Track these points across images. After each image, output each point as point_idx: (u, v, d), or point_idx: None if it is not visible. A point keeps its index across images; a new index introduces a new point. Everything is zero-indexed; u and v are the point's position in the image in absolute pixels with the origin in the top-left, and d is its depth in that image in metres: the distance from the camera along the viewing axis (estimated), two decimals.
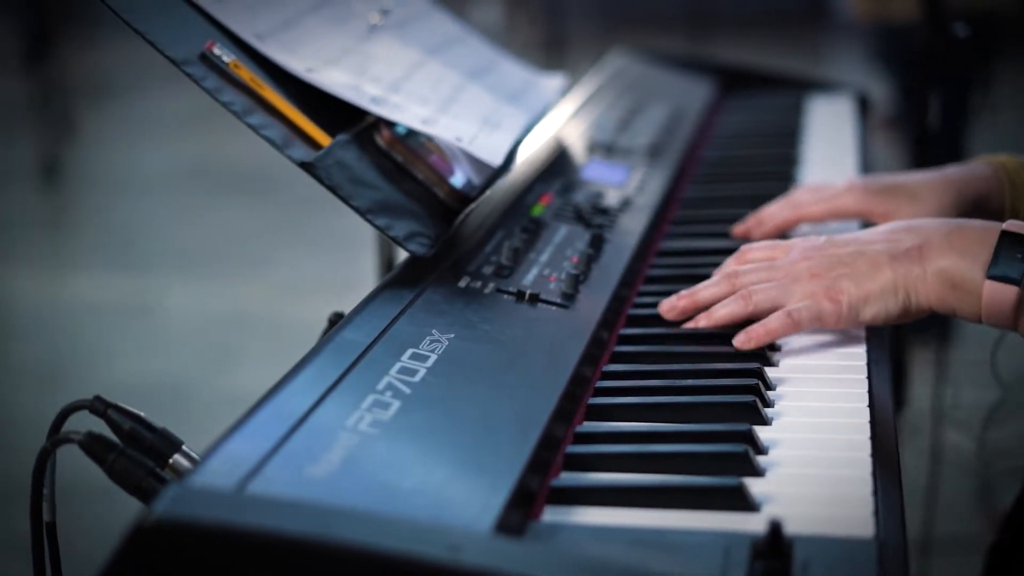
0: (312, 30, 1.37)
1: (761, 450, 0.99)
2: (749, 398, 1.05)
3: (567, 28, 7.21)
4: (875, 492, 0.93)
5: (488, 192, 1.34)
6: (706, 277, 1.26)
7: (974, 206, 1.42)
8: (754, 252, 1.27)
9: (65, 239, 5.28)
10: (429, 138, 1.31)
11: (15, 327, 4.25)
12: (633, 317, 1.26)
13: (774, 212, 1.47)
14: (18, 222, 5.42)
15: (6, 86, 7.02)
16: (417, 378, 1.00)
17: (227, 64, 1.21)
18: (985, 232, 1.13)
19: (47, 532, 1.02)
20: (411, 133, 1.30)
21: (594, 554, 0.84)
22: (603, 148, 1.68)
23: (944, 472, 2.17)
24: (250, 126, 1.18)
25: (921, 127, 1.95)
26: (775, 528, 0.82)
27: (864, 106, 2.15)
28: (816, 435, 1.03)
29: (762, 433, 1.02)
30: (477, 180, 1.32)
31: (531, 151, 1.58)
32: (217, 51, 1.21)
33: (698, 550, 0.85)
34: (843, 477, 0.95)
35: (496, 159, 1.29)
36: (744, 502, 0.91)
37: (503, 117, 1.44)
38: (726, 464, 0.96)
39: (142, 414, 1.00)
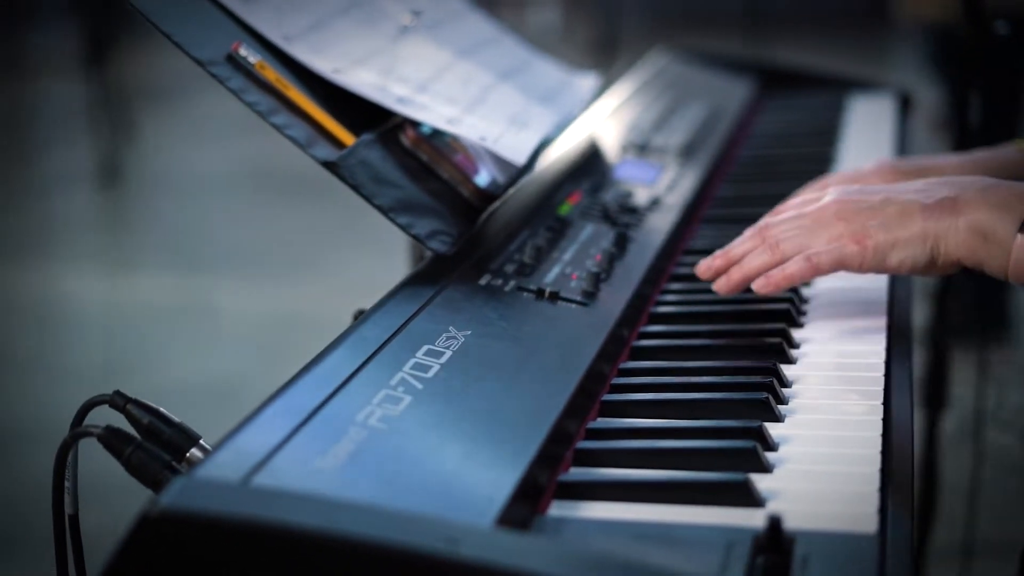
0: (341, 31, 1.38)
1: (771, 447, 1.00)
2: (762, 395, 1.05)
3: (624, 29, 7.19)
4: (882, 489, 0.93)
5: (515, 191, 1.35)
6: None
7: None
8: (788, 205, 1.27)
9: (124, 239, 5.34)
10: (455, 138, 1.32)
11: (75, 326, 4.30)
12: (655, 315, 1.27)
13: (807, 195, 1.47)
14: (79, 223, 5.50)
15: (68, 89, 7.11)
16: (430, 374, 1.01)
17: (253, 65, 1.22)
18: (1020, 190, 1.12)
19: (70, 524, 1.04)
20: (437, 133, 1.32)
21: (594, 548, 0.85)
22: (636, 147, 1.69)
23: (989, 473, 2.16)
24: (274, 126, 1.19)
25: (963, 127, 1.93)
26: (774, 523, 0.83)
27: (907, 105, 2.13)
28: (828, 432, 1.03)
29: (774, 430, 1.03)
30: (502, 179, 1.33)
31: (563, 150, 1.60)
32: (243, 52, 1.22)
33: (700, 545, 0.86)
34: (851, 474, 0.95)
35: (520, 158, 1.30)
36: (749, 498, 0.91)
37: (531, 117, 1.45)
38: (734, 460, 0.96)
39: (161, 409, 1.02)
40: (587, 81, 1.70)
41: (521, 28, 8.44)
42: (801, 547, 0.85)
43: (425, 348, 1.05)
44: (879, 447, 0.99)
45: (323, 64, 1.29)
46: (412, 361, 1.03)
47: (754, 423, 1.00)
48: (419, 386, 0.99)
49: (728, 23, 7.09)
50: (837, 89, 2.18)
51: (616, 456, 0.99)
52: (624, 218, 1.42)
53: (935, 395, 2.11)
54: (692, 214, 1.55)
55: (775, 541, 0.83)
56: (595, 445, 1.01)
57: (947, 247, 1.13)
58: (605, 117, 1.82)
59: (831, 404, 1.08)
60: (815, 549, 0.85)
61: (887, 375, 1.12)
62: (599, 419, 1.07)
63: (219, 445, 0.88)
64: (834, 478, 0.95)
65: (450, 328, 1.10)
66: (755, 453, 0.96)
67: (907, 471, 1.02)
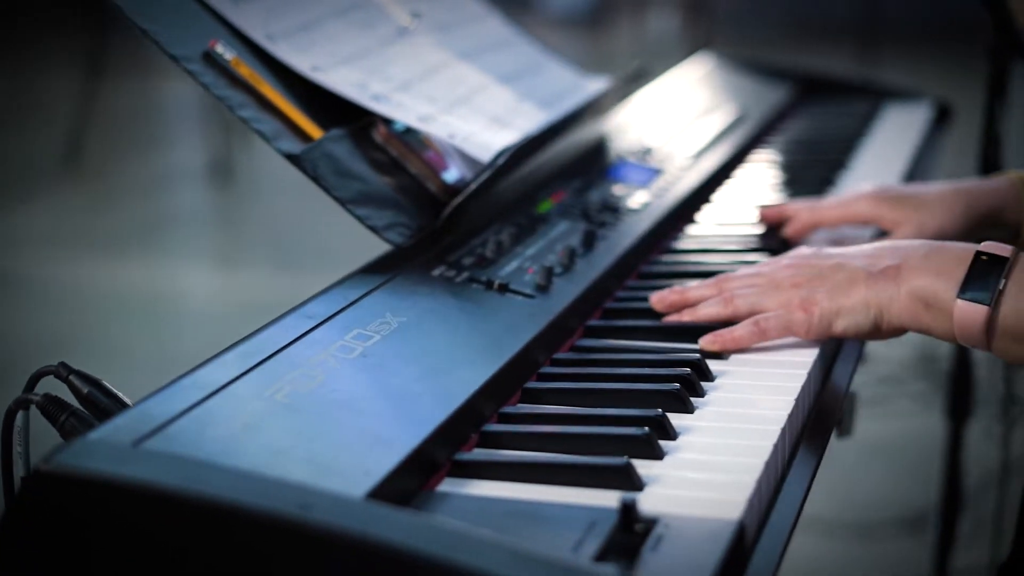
0: (333, 32, 1.45)
1: (670, 435, 1.03)
2: (674, 386, 1.09)
3: (745, 37, 7.20)
4: (760, 480, 0.96)
5: (500, 188, 1.39)
6: (701, 276, 1.30)
7: (985, 219, 1.43)
8: (749, 268, 1.30)
9: (234, 237, 5.49)
10: (427, 135, 1.37)
11: (185, 319, 4.44)
12: (608, 310, 1.31)
13: (797, 208, 1.50)
14: (193, 219, 5.67)
15: (183, 91, 7.31)
16: (352, 355, 1.07)
17: (228, 61, 1.29)
18: (963, 252, 1.14)
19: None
20: (410, 130, 1.37)
21: (449, 521, 0.89)
22: (643, 149, 1.72)
23: (1013, 481, 2.15)
24: (243, 119, 1.26)
25: (988, 134, 1.93)
26: (627, 505, 0.87)
27: (945, 116, 2.13)
28: (732, 425, 1.06)
29: (682, 420, 1.06)
30: (472, 176, 1.38)
31: (564, 150, 1.63)
32: (219, 49, 1.29)
33: (564, 522, 0.89)
34: (737, 464, 0.98)
35: (486, 156, 1.35)
36: (629, 481, 0.95)
37: (518, 118, 1.49)
38: (627, 446, 1.00)
39: (102, 380, 1.09)
40: (597, 85, 1.74)
41: (642, 35, 8.48)
42: (661, 529, 0.88)
43: (355, 331, 1.11)
44: (774, 441, 1.02)
45: (303, 62, 1.35)
46: (339, 343, 1.08)
47: (654, 412, 1.04)
48: (336, 366, 1.05)
49: (844, 30, 7.06)
50: (874, 98, 2.19)
51: (518, 439, 1.03)
52: (602, 217, 1.46)
53: (959, 404, 2.11)
54: (681, 216, 1.58)
55: (627, 522, 0.87)
56: (501, 428, 1.05)
57: (890, 315, 1.16)
58: (626, 118, 1.85)
59: (746, 399, 1.11)
60: (673, 532, 0.88)
61: (810, 373, 1.15)
62: (519, 404, 1.11)
63: (123, 411, 0.94)
64: (719, 467, 0.98)
65: (386, 314, 1.15)
66: (648, 440, 1.00)
67: (810, 466, 1.06)
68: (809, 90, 2.22)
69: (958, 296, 1.12)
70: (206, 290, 4.72)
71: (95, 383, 1.09)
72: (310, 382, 1.01)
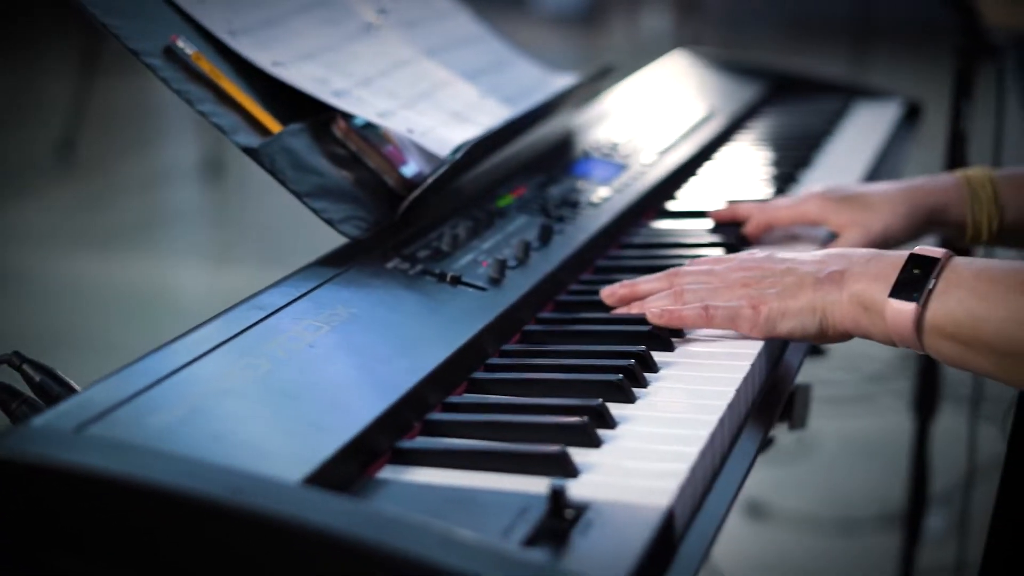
0: (297, 28, 1.47)
1: (609, 425, 1.05)
2: (616, 377, 1.11)
3: (739, 36, 7.22)
4: (695, 468, 0.98)
5: (459, 183, 1.42)
6: (655, 269, 1.33)
7: (931, 217, 1.45)
8: (700, 262, 1.32)
9: (226, 234, 5.51)
10: (387, 130, 1.39)
11: (178, 315, 4.46)
12: (560, 303, 1.33)
13: (748, 207, 1.52)
14: (186, 216, 5.70)
15: None
16: (300, 345, 1.09)
17: (189, 56, 1.31)
18: (899, 258, 1.17)
19: None
20: (371, 125, 1.39)
21: (380, 506, 0.91)
22: (610, 146, 1.74)
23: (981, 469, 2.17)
24: (201, 113, 1.28)
25: (954, 132, 1.95)
26: (555, 491, 0.88)
27: (915, 115, 2.15)
28: (672, 414, 1.08)
29: (623, 410, 1.08)
30: (430, 171, 1.40)
31: (529, 145, 1.65)
32: (181, 44, 1.31)
33: (497, 508, 0.91)
34: (672, 453, 1.00)
35: (443, 151, 1.37)
36: (565, 468, 0.97)
37: (480, 114, 1.51)
38: (566, 435, 1.02)
39: (55, 370, 1.11)
40: (564, 82, 1.76)
41: (635, 33, 8.51)
42: (592, 515, 0.90)
43: (306, 322, 1.13)
44: (711, 431, 1.04)
45: (264, 58, 1.37)
46: (288, 333, 1.10)
47: (595, 401, 1.06)
48: (283, 355, 1.06)
49: (842, 29, 7.08)
50: (845, 96, 2.21)
51: (460, 428, 1.05)
52: (560, 212, 1.47)
53: (925, 400, 2.13)
54: (641, 211, 1.59)
55: (557, 508, 0.89)
56: (445, 417, 1.07)
57: (834, 319, 1.19)
58: (596, 115, 1.87)
59: (688, 389, 1.13)
60: (603, 517, 0.90)
61: (753, 365, 1.17)
62: (465, 394, 1.13)
63: (68, 397, 0.96)
64: (655, 455, 1.00)
65: (338, 305, 1.17)
66: (585, 429, 1.02)
67: (747, 456, 1.08)
68: (781, 88, 2.24)
69: (890, 295, 1.14)
70: (199, 286, 4.75)
71: (47, 371, 1.11)
72: (256, 371, 1.03)
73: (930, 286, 1.13)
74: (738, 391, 1.12)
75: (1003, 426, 1.55)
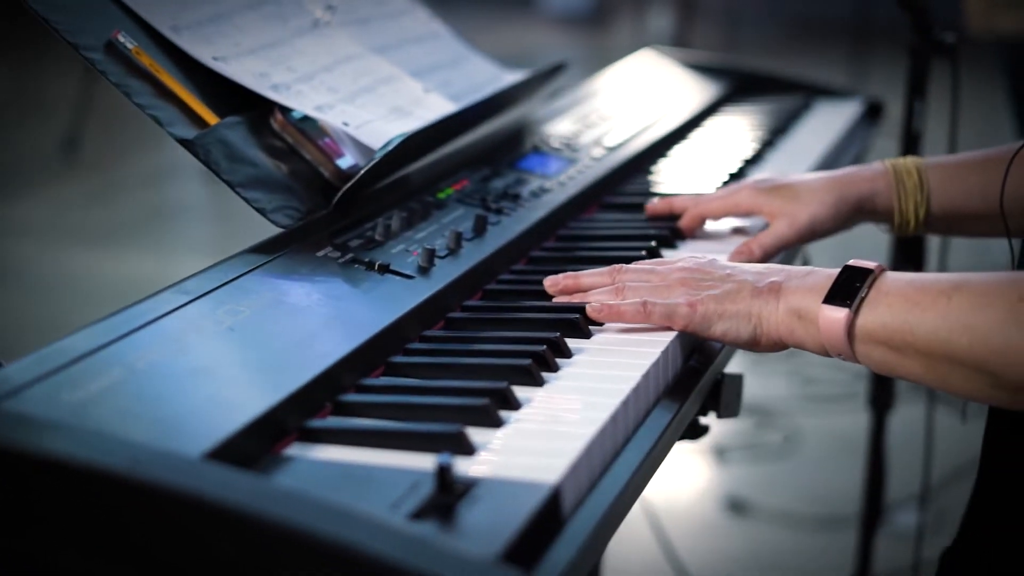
0: (243, 24, 1.51)
1: (513, 406, 1.09)
2: (525, 361, 1.14)
3: (739, 37, 7.24)
4: (590, 448, 1.02)
5: (404, 175, 1.45)
6: (591, 262, 1.36)
7: (858, 206, 1.49)
8: (643, 263, 1.35)
9: (227, 230, 5.56)
10: (323, 123, 1.43)
11: None
12: (488, 291, 1.36)
13: (683, 201, 1.55)
14: (187, 213, 5.75)
15: None
16: (220, 329, 1.13)
17: (130, 50, 1.35)
18: (834, 271, 1.21)
19: None
20: (309, 118, 1.43)
21: (279, 481, 0.95)
22: (561, 141, 1.77)
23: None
24: (137, 105, 1.32)
25: (908, 130, 1.98)
26: (442, 468, 0.92)
27: (875, 113, 2.19)
28: (576, 397, 1.12)
29: (530, 393, 1.12)
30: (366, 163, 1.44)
31: (476, 139, 1.69)
32: (121, 38, 1.35)
33: (390, 483, 0.95)
34: (568, 433, 1.04)
35: (378, 144, 1.40)
36: (462, 446, 1.01)
37: (421, 109, 1.55)
38: (468, 415, 1.06)
39: None
40: (514, 78, 1.80)
41: (642, 33, 8.55)
42: (481, 490, 0.94)
43: (227, 307, 1.17)
44: (609, 413, 1.07)
45: (205, 53, 1.41)
46: (208, 317, 1.14)
47: (500, 384, 1.09)
48: (201, 338, 1.10)
49: (843, 29, 7.11)
50: (807, 95, 2.24)
51: (369, 409, 1.09)
52: (499, 204, 1.51)
53: (880, 394, 2.16)
54: (583, 204, 1.63)
55: (443, 483, 0.92)
56: (355, 398, 1.11)
57: (768, 327, 1.22)
58: (554, 110, 1.91)
59: (597, 374, 1.16)
60: (490, 493, 0.94)
61: (665, 352, 1.20)
62: (382, 377, 1.17)
63: None
64: (552, 435, 1.04)
65: (262, 291, 1.21)
66: (486, 410, 1.06)
67: (649, 439, 1.11)
68: (745, 87, 2.27)
69: (823, 302, 1.18)
70: None
71: None
72: (172, 352, 1.07)
73: (862, 294, 1.17)
74: (646, 375, 1.16)
75: (962, 411, 1.58)
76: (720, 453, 3.51)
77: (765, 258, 1.49)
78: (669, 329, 1.25)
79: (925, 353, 1.13)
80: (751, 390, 3.78)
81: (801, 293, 1.21)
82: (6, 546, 0.91)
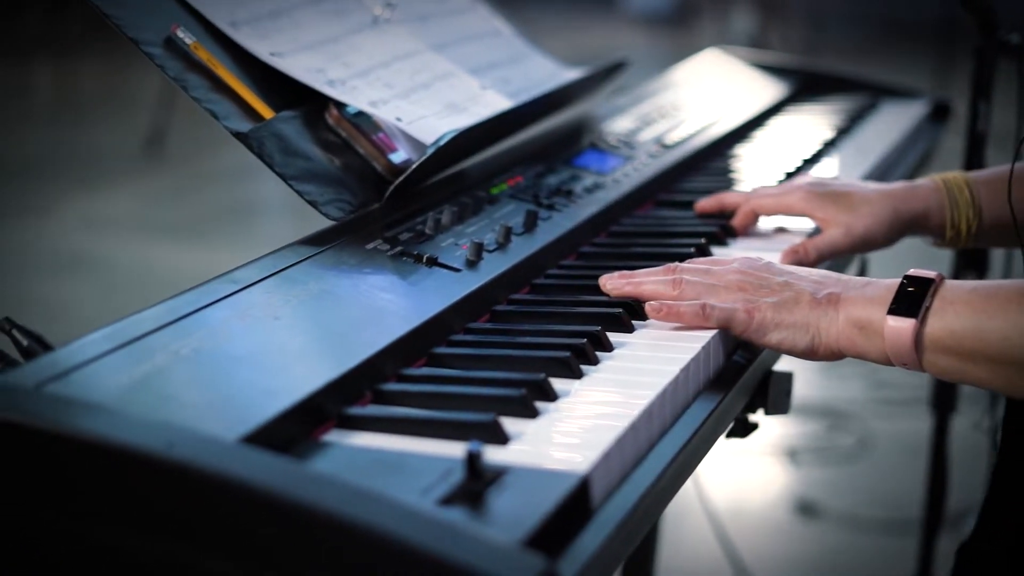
0: (301, 20, 1.53)
1: (550, 397, 1.10)
2: (564, 354, 1.16)
3: (822, 37, 7.19)
4: (623, 439, 1.03)
5: (458, 170, 1.47)
6: (642, 259, 1.37)
7: (912, 222, 1.49)
8: (699, 261, 1.35)
9: (305, 225, 5.61)
10: (377, 118, 1.45)
11: None
12: (535, 285, 1.38)
13: (733, 197, 1.56)
14: (267, 208, 5.83)
15: None
16: (266, 316, 1.15)
17: (188, 45, 1.38)
18: (894, 281, 1.22)
19: None
20: (363, 113, 1.45)
21: (314, 466, 0.97)
22: (617, 138, 1.79)
23: None
24: (194, 99, 1.35)
25: (972, 133, 1.97)
26: (471, 455, 0.94)
27: (943, 114, 2.17)
28: (613, 389, 1.13)
29: (568, 385, 1.13)
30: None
31: (531, 135, 1.71)
32: (180, 33, 1.38)
33: (422, 470, 0.97)
34: (603, 426, 1.05)
35: (430, 139, 1.42)
36: (495, 436, 1.02)
37: (477, 105, 1.57)
38: (504, 405, 1.07)
39: (43, 335, 1.18)
40: (573, 75, 1.81)
41: (724, 34, 8.53)
42: (510, 478, 0.95)
43: (274, 296, 1.19)
44: (643, 406, 1.08)
45: (262, 48, 1.44)
46: (255, 306, 1.17)
47: (538, 376, 1.11)
48: (246, 326, 1.13)
49: (926, 31, 7.05)
50: (873, 95, 2.23)
51: (408, 398, 1.11)
52: (551, 200, 1.52)
53: (942, 397, 2.14)
54: (635, 202, 1.64)
55: (473, 470, 0.94)
56: (395, 387, 1.13)
57: (827, 338, 1.23)
58: (617, 108, 1.92)
59: (636, 367, 1.17)
60: (520, 481, 0.95)
61: (706, 347, 1.21)
62: (424, 367, 1.19)
63: (37, 358, 1.04)
64: (586, 426, 1.05)
65: (310, 281, 1.23)
66: (522, 400, 1.07)
67: (683, 435, 1.12)
68: (811, 87, 2.27)
69: (888, 313, 1.19)
70: None
71: (35, 337, 1.18)
72: (217, 339, 1.10)
73: (927, 303, 1.17)
74: (685, 369, 1.16)
75: (981, 426, 1.58)
76: (791, 455, 3.50)
77: (818, 262, 1.49)
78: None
79: (994, 359, 1.14)
80: (824, 392, 3.78)
81: (862, 304, 1.21)
82: (49, 520, 0.94)
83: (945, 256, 2.12)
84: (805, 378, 3.88)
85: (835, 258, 1.53)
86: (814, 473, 3.44)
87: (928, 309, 1.17)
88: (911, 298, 1.18)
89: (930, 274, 1.20)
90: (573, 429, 1.05)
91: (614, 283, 1.33)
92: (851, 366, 3.69)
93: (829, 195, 1.50)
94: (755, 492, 3.37)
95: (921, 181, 1.54)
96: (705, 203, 1.59)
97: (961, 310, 1.16)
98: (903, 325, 1.17)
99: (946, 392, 2.16)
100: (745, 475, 3.43)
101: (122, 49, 8.59)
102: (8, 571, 0.95)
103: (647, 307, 1.27)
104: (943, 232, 1.52)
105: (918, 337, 1.17)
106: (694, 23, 9.68)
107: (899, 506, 3.17)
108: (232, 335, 1.11)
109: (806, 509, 3.22)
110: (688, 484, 2.74)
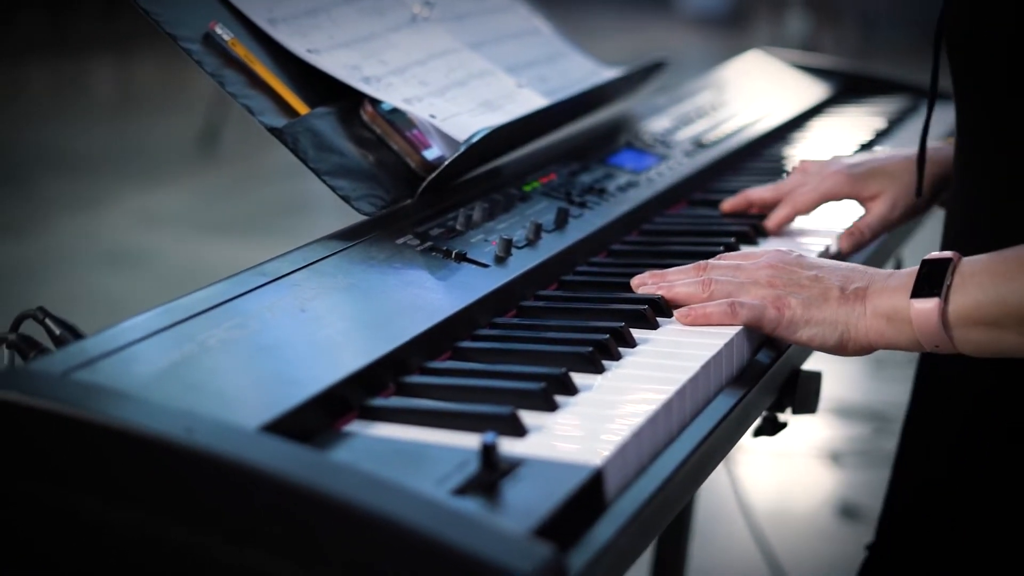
0: (339, 17, 1.55)
1: (570, 391, 1.11)
2: (587, 349, 1.17)
3: (876, 40, 7.15)
4: (640, 433, 1.04)
5: (493, 167, 1.49)
6: (673, 257, 1.38)
7: (943, 182, 1.49)
8: (728, 256, 1.35)
9: (350, 222, 5.66)
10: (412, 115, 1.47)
11: None
12: (563, 282, 1.39)
13: (759, 192, 1.57)
14: (319, 206, 5.88)
15: None
16: (293, 308, 1.17)
17: (226, 41, 1.40)
18: (914, 268, 1.23)
19: None
20: (398, 110, 1.47)
21: (333, 455, 0.99)
22: (653, 137, 1.79)
23: None
24: (230, 94, 1.37)
25: None
26: (486, 446, 0.95)
27: None
28: (633, 384, 1.14)
29: (589, 380, 1.14)
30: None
31: (568, 134, 1.72)
32: (219, 30, 1.41)
33: (439, 460, 0.98)
34: (620, 419, 1.06)
35: (463, 136, 1.44)
36: (514, 429, 1.04)
37: (511, 103, 1.58)
38: (524, 399, 1.09)
39: (74, 324, 1.21)
40: (609, 73, 1.82)
41: (779, 35, 8.51)
42: (525, 469, 0.97)
43: (302, 289, 1.21)
44: (661, 402, 1.09)
45: (299, 45, 1.46)
46: (282, 298, 1.19)
47: (558, 370, 1.12)
48: (273, 317, 1.15)
49: None
50: (915, 97, 2.23)
51: (430, 390, 1.12)
52: (583, 198, 1.54)
53: None
54: (667, 201, 1.65)
55: (488, 461, 0.95)
56: (418, 380, 1.14)
57: (856, 333, 1.23)
58: (657, 107, 1.93)
59: (657, 363, 1.18)
60: (535, 472, 0.96)
61: (729, 344, 1.22)
62: (449, 361, 1.20)
63: (68, 346, 1.06)
64: (604, 420, 1.06)
65: (338, 275, 1.25)
66: (541, 394, 1.08)
67: (702, 430, 1.13)
68: (853, 88, 2.27)
69: (911, 296, 1.20)
70: None
71: (67, 326, 1.20)
72: (244, 330, 1.12)
73: (948, 282, 1.19)
74: (706, 365, 1.17)
75: None
76: (835, 458, 3.49)
77: (873, 239, 1.53)
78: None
79: (1022, 322, 1.15)
80: (869, 395, 3.77)
81: (887, 294, 1.22)
82: (72, 505, 0.96)
83: None
84: (850, 380, 3.87)
85: (890, 231, 1.56)
86: (858, 476, 3.43)
87: (950, 287, 1.18)
88: (931, 279, 1.19)
89: (947, 254, 1.21)
90: (591, 423, 1.06)
91: (646, 287, 1.33)
92: (897, 368, 3.67)
93: (867, 173, 1.51)
94: (798, 494, 3.36)
95: (947, 143, 1.55)
96: (731, 201, 1.59)
97: (982, 280, 1.18)
98: (928, 306, 1.18)
99: None
100: (788, 477, 3.42)
101: (169, 43, 8.71)
102: (27, 554, 0.97)
103: (676, 316, 1.27)
104: None
105: (944, 316, 1.18)
106: (749, 24, 9.66)
107: None
108: (259, 326, 1.13)
109: (849, 512, 3.21)
110: (725, 484, 2.75)
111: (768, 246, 1.53)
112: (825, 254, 1.50)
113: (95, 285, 4.69)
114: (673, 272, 1.34)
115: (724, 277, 1.29)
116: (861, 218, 1.54)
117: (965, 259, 1.21)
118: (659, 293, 1.31)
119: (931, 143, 1.54)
